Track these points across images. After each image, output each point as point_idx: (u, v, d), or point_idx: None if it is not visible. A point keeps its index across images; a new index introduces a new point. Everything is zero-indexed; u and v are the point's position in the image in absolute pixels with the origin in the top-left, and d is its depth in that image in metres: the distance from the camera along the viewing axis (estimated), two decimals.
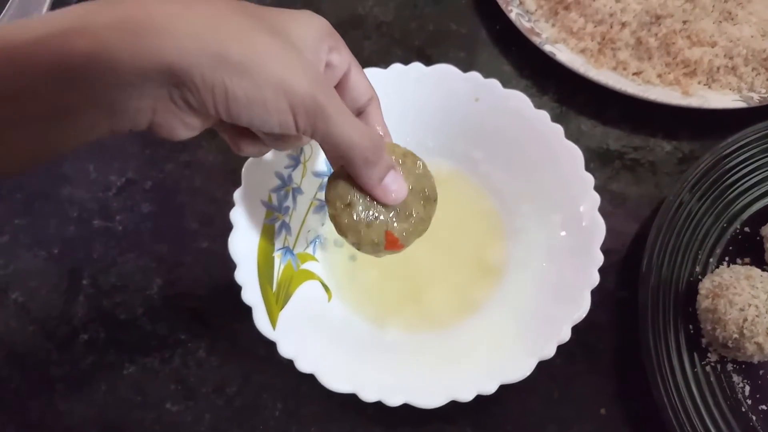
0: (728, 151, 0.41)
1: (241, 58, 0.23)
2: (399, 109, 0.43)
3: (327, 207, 0.30)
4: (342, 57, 0.30)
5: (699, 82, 0.48)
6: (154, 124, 0.24)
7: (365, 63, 0.39)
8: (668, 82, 0.48)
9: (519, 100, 0.41)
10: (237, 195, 0.36)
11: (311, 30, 0.28)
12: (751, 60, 0.48)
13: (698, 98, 0.47)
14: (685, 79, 0.48)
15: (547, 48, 0.49)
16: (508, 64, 0.52)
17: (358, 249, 0.31)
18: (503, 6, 0.50)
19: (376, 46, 0.53)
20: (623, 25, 0.48)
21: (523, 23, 0.50)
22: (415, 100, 0.43)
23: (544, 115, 0.41)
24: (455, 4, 0.54)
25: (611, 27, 0.48)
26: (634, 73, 0.49)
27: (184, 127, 0.25)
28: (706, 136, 0.48)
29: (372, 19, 0.54)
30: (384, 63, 0.41)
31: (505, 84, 0.41)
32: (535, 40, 0.49)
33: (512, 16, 0.50)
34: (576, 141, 0.39)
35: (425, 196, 0.32)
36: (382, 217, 0.30)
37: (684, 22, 0.48)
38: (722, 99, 0.47)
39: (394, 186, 0.29)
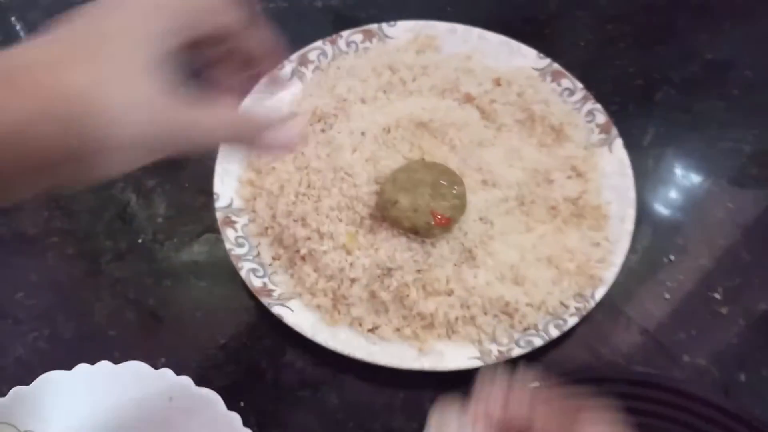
0: None
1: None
2: (89, 411, 0.40)
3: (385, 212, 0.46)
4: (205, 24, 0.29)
5: (438, 335, 0.48)
6: None
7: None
8: (406, 336, 0.48)
9: (210, 399, 0.39)
10: None
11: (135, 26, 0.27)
12: (489, 308, 0.48)
13: (434, 357, 0.47)
14: (423, 332, 0.48)
15: (276, 310, 0.47)
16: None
17: (417, 234, 0.47)
18: (235, 262, 0.49)
19: (108, 309, 0.50)
20: (353, 281, 0.48)
21: (254, 280, 0.49)
22: (106, 401, 0.41)
23: (235, 417, 0.38)
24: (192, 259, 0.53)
25: (342, 282, 0.48)
26: (369, 330, 0.48)
27: None
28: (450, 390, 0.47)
29: (107, 277, 0.52)
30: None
31: None
32: (265, 300, 0.48)
33: (243, 273, 0.49)
34: None
35: (449, 179, 0.47)
36: (422, 203, 0.45)
37: (418, 271, 0.48)
38: (458, 356, 0.46)
39: (282, 138, 0.31)
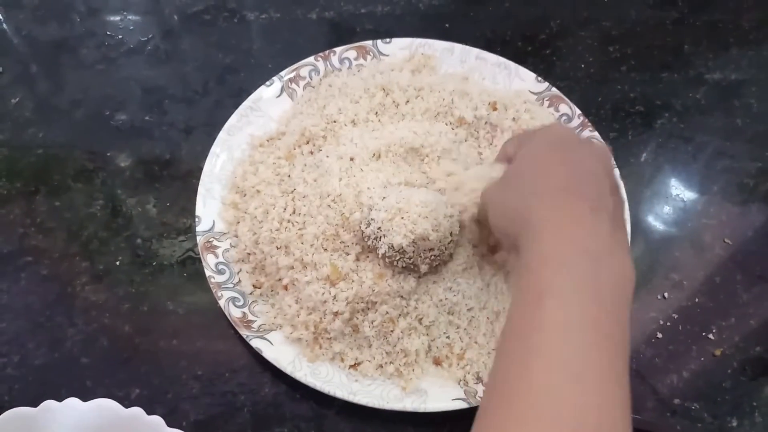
0: None
1: None
2: None
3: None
4: None
5: (423, 372, 0.46)
6: None
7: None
8: (389, 374, 0.46)
9: None
10: None
11: None
12: (476, 346, 0.46)
13: (417, 396, 0.45)
14: (406, 369, 0.46)
15: (255, 343, 0.46)
16: None
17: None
18: (214, 290, 0.47)
19: (82, 334, 0.48)
20: (336, 314, 0.46)
21: (233, 310, 0.47)
22: None
23: None
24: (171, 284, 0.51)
25: (324, 316, 0.46)
26: (351, 366, 0.46)
27: None
28: (433, 429, 0.45)
29: (82, 300, 0.50)
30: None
31: None
32: (244, 332, 0.46)
33: (222, 302, 0.47)
34: None
35: None
36: None
37: (404, 306, 0.46)
38: (442, 397, 0.45)
39: None
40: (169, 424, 0.41)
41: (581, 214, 0.33)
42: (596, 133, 0.56)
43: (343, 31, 0.65)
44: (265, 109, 0.56)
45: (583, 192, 0.34)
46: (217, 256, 0.49)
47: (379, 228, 0.44)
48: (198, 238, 0.50)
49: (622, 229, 0.36)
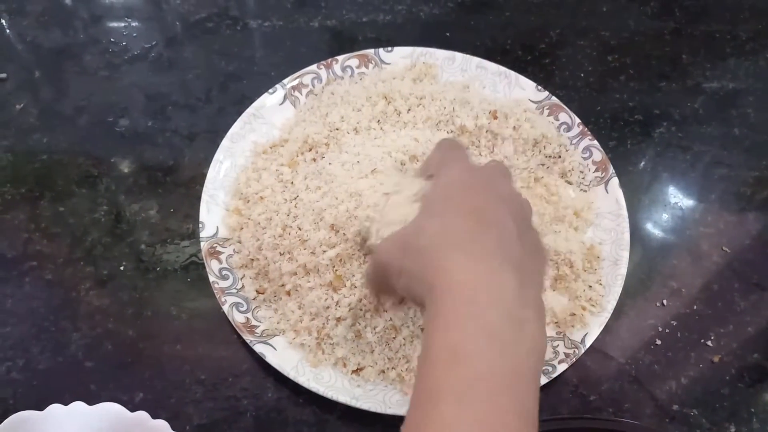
0: None
1: None
2: None
3: None
4: None
5: None
6: None
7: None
8: (390, 379, 0.46)
9: None
10: None
11: None
12: None
13: None
14: (408, 374, 0.47)
15: (259, 348, 0.46)
16: None
17: None
18: (218, 296, 0.48)
19: (86, 339, 0.49)
20: (338, 320, 0.47)
21: (237, 316, 0.48)
22: None
23: None
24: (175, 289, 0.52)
25: (327, 321, 0.47)
26: (353, 371, 0.47)
27: None
28: None
29: (86, 305, 0.50)
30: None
31: None
32: (248, 338, 0.47)
33: (225, 308, 0.48)
34: None
35: None
36: None
37: (406, 312, 0.47)
38: None
39: None
40: (173, 428, 0.42)
41: (480, 276, 0.30)
42: (595, 142, 0.57)
43: (345, 40, 0.66)
44: (268, 116, 0.57)
45: (485, 247, 0.31)
46: (220, 262, 0.50)
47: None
48: (202, 243, 0.50)
49: (530, 279, 0.33)
